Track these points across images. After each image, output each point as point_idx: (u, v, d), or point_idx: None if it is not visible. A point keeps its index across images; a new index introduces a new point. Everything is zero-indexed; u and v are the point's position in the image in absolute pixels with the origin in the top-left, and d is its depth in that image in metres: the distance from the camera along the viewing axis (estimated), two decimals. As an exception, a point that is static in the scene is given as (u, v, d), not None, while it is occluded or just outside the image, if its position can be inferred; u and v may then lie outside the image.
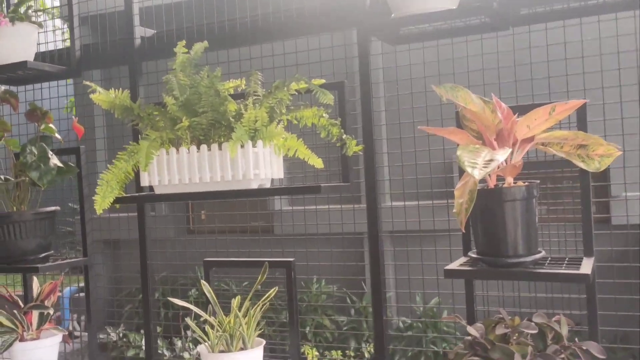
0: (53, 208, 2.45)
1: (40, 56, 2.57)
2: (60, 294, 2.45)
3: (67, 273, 9.17)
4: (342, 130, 2.02)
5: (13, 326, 2.35)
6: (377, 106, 2.17)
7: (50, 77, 2.55)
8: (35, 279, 2.56)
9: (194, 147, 1.99)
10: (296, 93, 2.06)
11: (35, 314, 2.39)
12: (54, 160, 2.33)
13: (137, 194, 2.14)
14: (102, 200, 1.92)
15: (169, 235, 5.91)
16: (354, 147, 2.03)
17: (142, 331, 6.28)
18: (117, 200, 2.02)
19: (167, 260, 5.57)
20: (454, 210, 1.62)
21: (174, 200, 2.05)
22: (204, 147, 1.98)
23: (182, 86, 1.93)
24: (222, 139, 2.01)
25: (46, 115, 2.41)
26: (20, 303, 2.46)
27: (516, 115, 1.65)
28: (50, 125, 2.48)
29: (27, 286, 2.58)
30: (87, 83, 1.91)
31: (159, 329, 5.94)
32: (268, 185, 2.06)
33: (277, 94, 1.97)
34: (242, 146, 1.94)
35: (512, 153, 1.64)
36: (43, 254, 2.41)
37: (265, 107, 1.98)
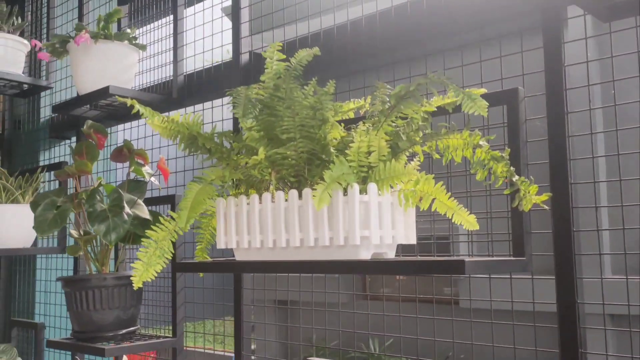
0: (139, 272, 1.94)
1: (148, 90, 2.14)
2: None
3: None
4: (513, 169, 1.21)
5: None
6: (582, 125, 1.32)
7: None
8: (125, 358, 2.06)
9: (280, 195, 1.33)
10: (435, 110, 1.30)
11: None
12: (136, 211, 1.82)
13: (194, 261, 1.52)
14: (146, 269, 1.33)
15: (342, 300, 5.30)
16: (533, 196, 1.20)
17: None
18: (179, 266, 1.43)
19: (338, 327, 4.95)
20: None
21: (247, 272, 1.40)
22: (293, 193, 1.30)
23: (249, 101, 1.29)
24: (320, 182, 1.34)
25: (135, 154, 1.93)
26: (99, 390, 1.96)
27: None
28: (145, 167, 2.01)
29: (116, 368, 2.09)
30: (124, 99, 1.35)
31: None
32: (392, 255, 1.31)
33: (403, 108, 1.23)
34: (344, 193, 1.23)
35: None
36: (123, 331, 1.90)
37: (385, 130, 1.26)
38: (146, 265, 1.33)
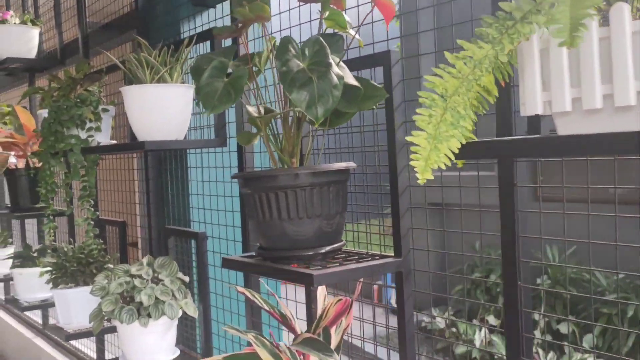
0: (345, 165, 1.36)
1: None
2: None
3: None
4: None
5: (278, 367, 1.35)
6: None
7: None
8: (321, 289, 1.53)
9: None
10: None
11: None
12: (342, 73, 1.20)
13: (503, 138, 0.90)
14: (434, 147, 0.71)
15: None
16: None
17: (474, 321, 5.13)
18: (466, 151, 0.81)
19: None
20: None
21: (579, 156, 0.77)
22: None
23: None
24: None
25: (331, -9, 1.29)
26: (296, 326, 1.45)
27: None
28: (343, 14, 1.38)
29: (310, 298, 1.57)
30: None
31: (494, 321, 4.74)
32: None
33: None
34: None
35: None
36: (327, 247, 1.35)
37: None
38: (433, 141, 0.71)
